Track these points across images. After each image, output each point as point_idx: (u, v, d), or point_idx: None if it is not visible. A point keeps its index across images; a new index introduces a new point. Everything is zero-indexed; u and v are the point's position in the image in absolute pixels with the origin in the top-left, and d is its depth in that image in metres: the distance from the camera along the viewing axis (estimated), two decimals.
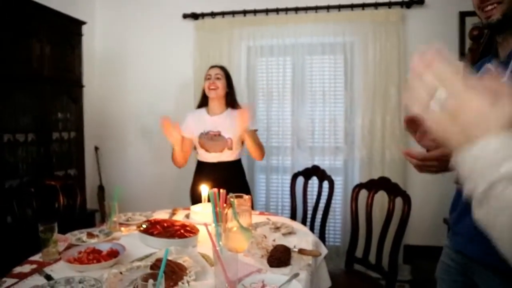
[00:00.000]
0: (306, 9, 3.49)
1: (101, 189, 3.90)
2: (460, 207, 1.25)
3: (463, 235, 1.23)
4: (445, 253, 1.35)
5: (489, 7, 1.11)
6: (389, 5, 3.35)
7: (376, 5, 3.36)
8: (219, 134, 2.58)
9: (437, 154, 1.12)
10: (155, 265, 1.36)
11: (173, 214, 2.34)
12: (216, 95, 2.60)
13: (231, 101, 2.66)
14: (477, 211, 0.52)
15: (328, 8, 3.45)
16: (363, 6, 3.38)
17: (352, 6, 3.40)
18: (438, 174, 1.18)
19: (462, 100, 0.53)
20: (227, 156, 2.61)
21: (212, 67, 2.69)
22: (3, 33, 2.50)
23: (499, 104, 0.52)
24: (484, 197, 0.50)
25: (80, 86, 3.30)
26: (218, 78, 2.59)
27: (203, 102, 2.70)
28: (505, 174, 0.48)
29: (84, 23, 3.30)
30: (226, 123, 2.58)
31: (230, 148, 2.59)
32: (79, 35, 3.28)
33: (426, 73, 0.55)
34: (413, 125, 1.19)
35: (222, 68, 2.68)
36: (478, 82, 0.55)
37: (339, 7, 3.42)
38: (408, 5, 3.34)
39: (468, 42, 3.04)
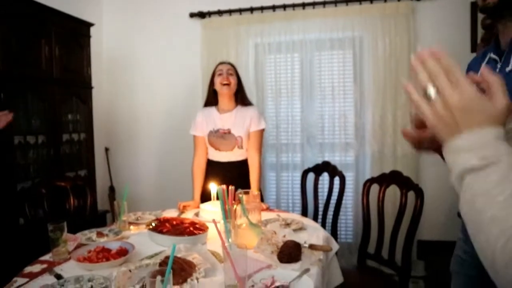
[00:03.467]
0: (313, 4, 3.46)
1: (112, 189, 3.92)
2: None
3: None
4: (459, 246, 1.31)
5: None
6: None
7: None
8: (229, 132, 2.55)
9: (427, 135, 1.11)
10: (164, 262, 1.35)
11: (182, 212, 2.34)
12: (229, 91, 2.55)
13: (241, 98, 2.63)
14: (456, 185, 0.57)
15: (335, 2, 3.41)
16: None
17: (360, 0, 3.36)
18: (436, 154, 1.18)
19: (449, 96, 0.56)
20: (238, 155, 2.59)
21: (222, 63, 2.64)
22: (13, 35, 2.52)
23: (486, 99, 0.55)
24: (458, 188, 0.56)
25: (89, 88, 3.31)
26: (230, 74, 2.55)
27: (212, 99, 2.66)
28: (473, 166, 0.53)
29: (92, 24, 3.32)
30: (236, 121, 2.56)
31: (241, 147, 2.56)
32: (88, 36, 3.30)
33: (420, 70, 0.59)
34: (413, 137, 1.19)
35: (232, 65, 2.65)
36: (470, 78, 0.58)
37: (347, 1, 3.38)
38: None
39: (480, 33, 2.99)
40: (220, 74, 2.55)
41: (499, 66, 1.11)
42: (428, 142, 1.11)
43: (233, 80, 2.54)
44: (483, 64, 1.17)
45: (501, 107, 0.55)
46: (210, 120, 2.61)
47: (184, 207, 2.42)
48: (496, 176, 0.51)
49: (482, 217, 0.51)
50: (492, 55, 1.15)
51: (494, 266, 0.50)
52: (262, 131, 2.62)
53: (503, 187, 0.50)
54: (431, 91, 0.57)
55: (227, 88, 2.53)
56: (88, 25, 3.29)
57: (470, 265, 1.23)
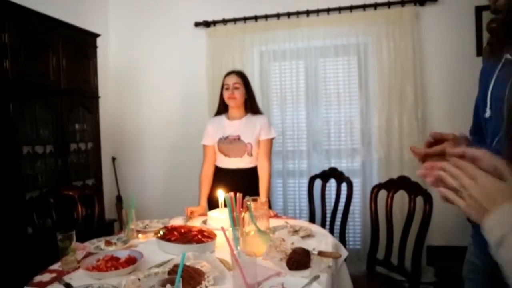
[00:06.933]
0: (317, 11, 3.47)
1: (119, 198, 3.93)
2: None
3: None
4: (471, 251, 1.29)
5: None
6: (402, 3, 3.30)
7: (389, 4, 3.32)
8: (238, 138, 2.57)
9: (437, 150, 1.15)
10: (173, 271, 1.35)
11: (190, 218, 2.34)
12: (236, 104, 2.59)
13: (250, 106, 2.65)
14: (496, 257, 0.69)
15: (339, 9, 3.42)
16: (376, 6, 3.35)
17: (364, 7, 3.37)
18: None
19: (472, 191, 0.72)
20: (246, 162, 2.60)
21: (229, 74, 2.63)
22: (21, 47, 2.54)
23: (500, 182, 0.70)
24: (499, 260, 0.68)
25: (96, 97, 3.34)
26: (236, 88, 2.56)
27: (223, 109, 2.69)
28: (501, 236, 0.66)
29: (98, 35, 3.35)
30: (246, 128, 2.58)
31: (250, 154, 2.57)
32: (94, 47, 3.33)
33: (445, 176, 0.77)
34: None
35: (240, 75, 2.63)
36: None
37: (351, 8, 3.39)
38: (421, 3, 3.29)
39: (485, 37, 2.97)
40: (227, 89, 2.58)
41: None
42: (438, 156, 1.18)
43: (238, 94, 2.56)
44: (499, 66, 1.14)
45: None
46: (220, 127, 2.63)
47: (192, 212, 2.43)
48: None
49: None
50: (509, 57, 1.12)
51: None
52: (272, 140, 2.64)
53: None
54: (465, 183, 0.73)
55: (233, 102, 2.57)
56: (95, 35, 3.32)
57: (484, 271, 1.21)
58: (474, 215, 0.73)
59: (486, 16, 3.11)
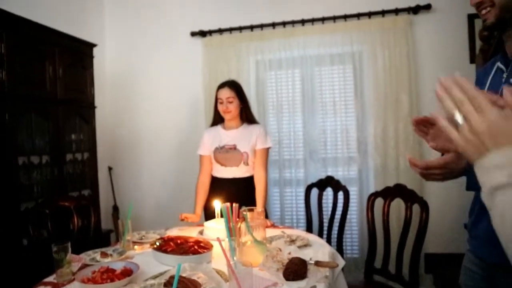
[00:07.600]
0: (312, 20, 3.50)
1: (115, 209, 3.91)
2: (477, 210, 1.22)
3: (480, 238, 1.19)
4: (467, 258, 1.30)
5: (483, 11, 1.12)
6: (396, 12, 3.33)
7: (383, 13, 3.35)
8: (234, 148, 2.57)
9: (439, 162, 1.14)
10: (169, 282, 1.34)
11: (182, 220, 2.39)
12: (231, 117, 2.60)
13: (246, 115, 2.65)
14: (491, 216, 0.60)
15: (334, 18, 3.45)
16: (370, 14, 3.38)
17: (358, 15, 3.40)
18: (444, 181, 1.21)
19: (475, 122, 0.61)
20: (243, 172, 2.59)
21: (222, 87, 2.61)
22: (17, 56, 2.55)
23: (509, 121, 0.60)
24: (489, 203, 0.59)
25: (93, 107, 3.34)
26: (230, 102, 2.56)
27: (218, 119, 2.69)
28: (502, 183, 0.57)
29: (95, 45, 3.36)
30: (242, 137, 2.58)
31: (246, 163, 2.57)
32: (91, 57, 3.34)
33: (445, 98, 0.64)
34: (423, 126, 1.19)
35: (233, 87, 2.61)
36: (492, 101, 0.62)
37: (345, 17, 3.42)
38: (415, 11, 3.33)
39: (478, 44, 3.01)
40: (221, 103, 2.59)
41: (505, 76, 1.12)
42: (438, 169, 1.15)
43: (233, 107, 2.57)
44: (491, 74, 1.18)
45: None
46: (216, 137, 2.63)
47: (186, 217, 2.43)
48: None
49: None
50: (500, 65, 1.17)
51: None
52: (268, 149, 2.64)
53: None
54: (458, 117, 0.63)
55: (229, 115, 2.59)
56: (91, 45, 3.33)
57: (480, 277, 1.22)
58: (469, 151, 0.62)
59: (478, 24, 3.14)
